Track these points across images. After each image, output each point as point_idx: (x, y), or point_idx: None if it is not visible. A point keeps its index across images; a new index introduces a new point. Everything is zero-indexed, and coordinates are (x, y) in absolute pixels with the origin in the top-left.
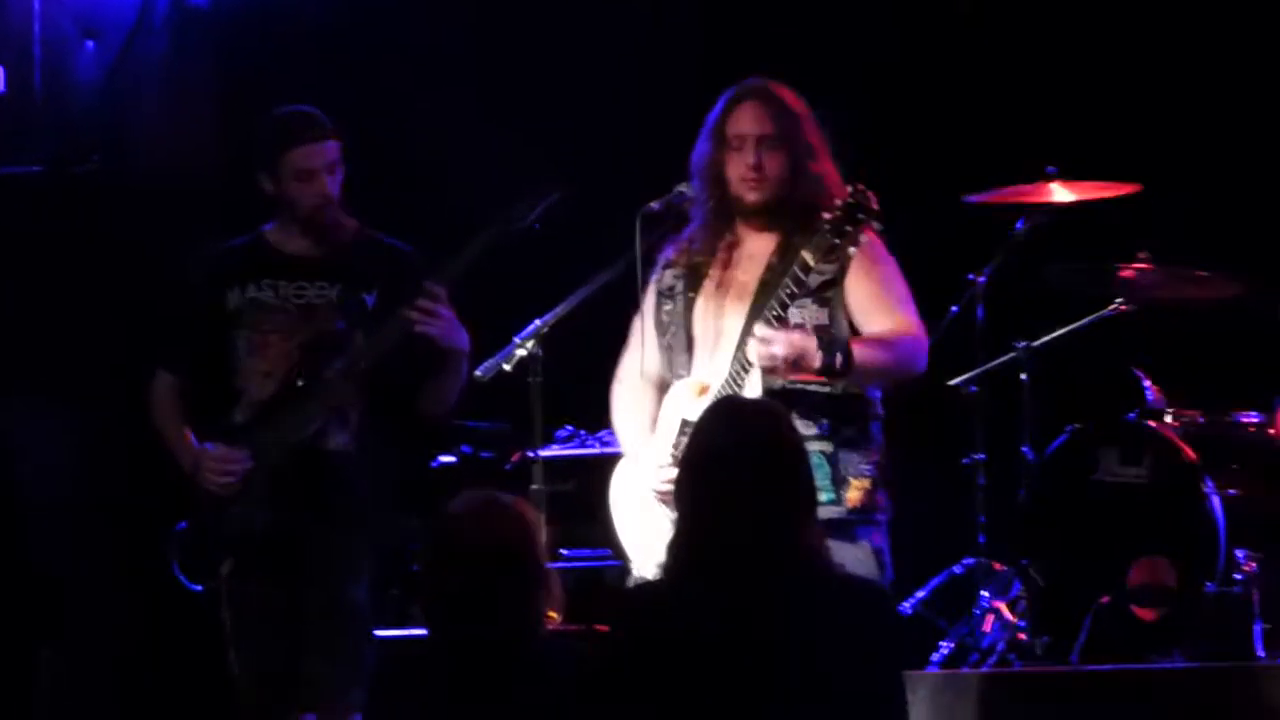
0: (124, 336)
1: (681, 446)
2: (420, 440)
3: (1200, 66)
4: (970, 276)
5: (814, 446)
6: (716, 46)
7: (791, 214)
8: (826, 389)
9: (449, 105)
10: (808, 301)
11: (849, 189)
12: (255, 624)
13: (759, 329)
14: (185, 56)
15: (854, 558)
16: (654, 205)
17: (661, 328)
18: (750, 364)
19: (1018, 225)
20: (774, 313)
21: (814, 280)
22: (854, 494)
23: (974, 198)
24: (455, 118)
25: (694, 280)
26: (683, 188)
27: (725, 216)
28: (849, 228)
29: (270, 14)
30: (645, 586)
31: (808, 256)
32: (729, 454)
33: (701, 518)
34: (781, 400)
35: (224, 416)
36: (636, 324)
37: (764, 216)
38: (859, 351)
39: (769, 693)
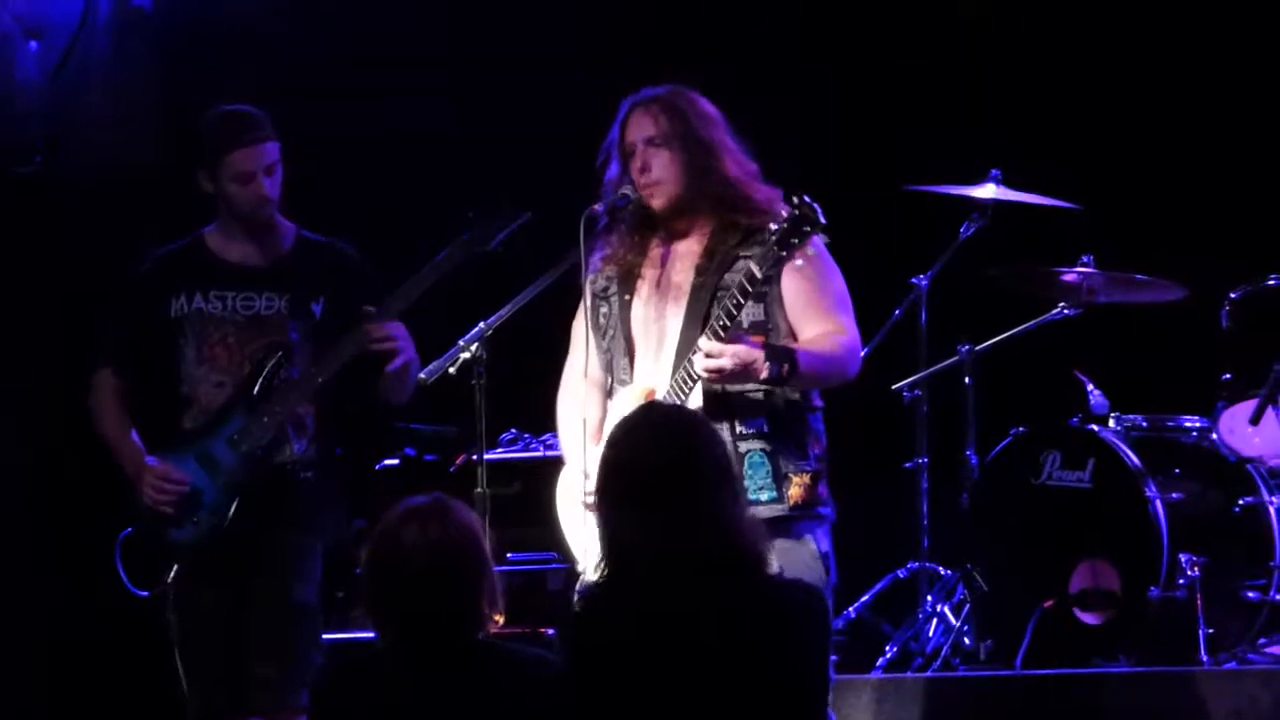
0: (66, 337)
1: None
2: (368, 442)
3: (1147, 71)
4: (914, 280)
5: (754, 445)
6: (662, 40)
7: (707, 211)
8: (764, 389)
9: (392, 105)
10: (742, 299)
11: (794, 200)
12: (202, 628)
13: (704, 342)
14: (129, 58)
15: (801, 560)
16: (598, 208)
17: (599, 330)
18: (696, 377)
19: (962, 229)
20: (721, 323)
21: (746, 277)
22: (796, 490)
23: (915, 188)
24: (398, 117)
25: (628, 282)
26: (626, 189)
27: (648, 221)
28: (794, 240)
29: (214, 16)
30: (590, 595)
31: (755, 270)
32: (647, 464)
33: (623, 526)
34: (721, 403)
35: (173, 422)
36: (576, 327)
37: (678, 217)
38: (803, 359)
39: (699, 696)
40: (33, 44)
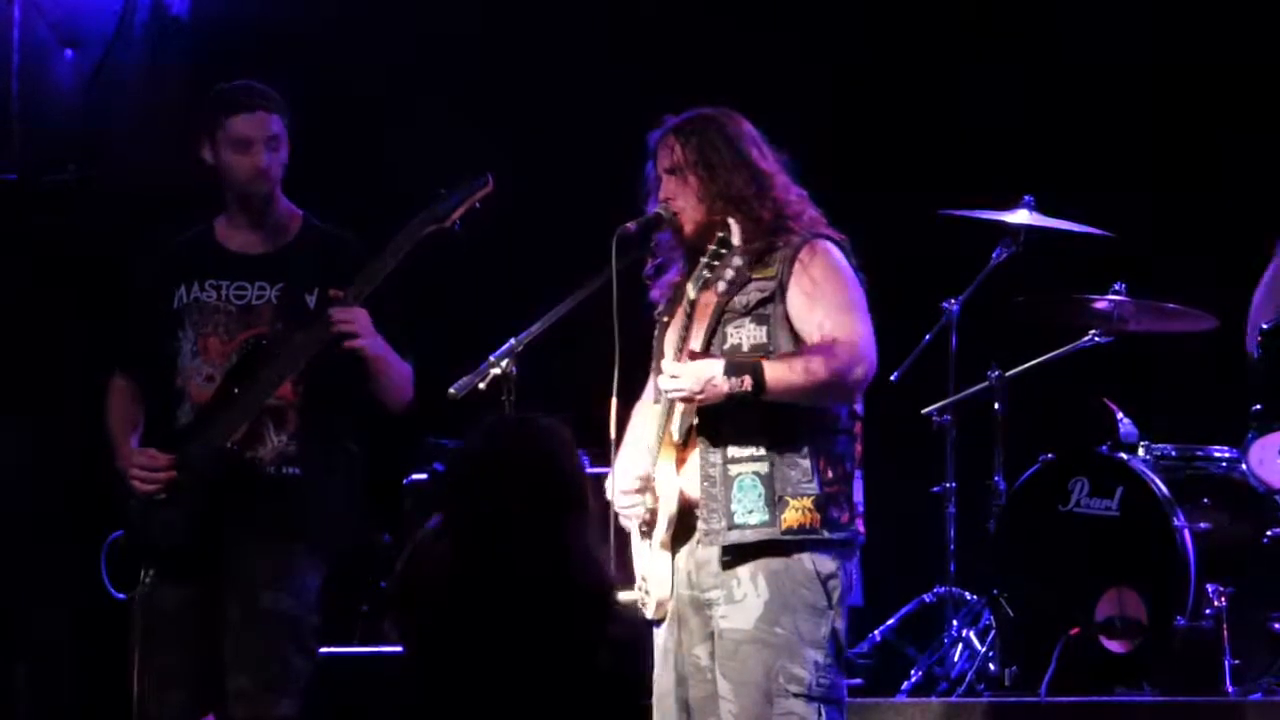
0: (93, 344)
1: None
2: (393, 450)
3: (1182, 100)
4: (945, 304)
5: (748, 468)
6: (699, 66)
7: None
8: (766, 405)
9: (428, 115)
10: (745, 321)
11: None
12: (163, 629)
13: (665, 364)
14: (164, 66)
15: (791, 579)
16: (630, 226)
17: (653, 354)
18: (671, 402)
19: (994, 254)
20: (679, 344)
21: (752, 298)
22: (791, 514)
23: (950, 211)
24: (434, 128)
25: (670, 305)
26: (660, 208)
27: (681, 242)
28: (716, 262)
29: (250, 24)
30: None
31: (690, 290)
32: (481, 470)
33: (462, 530)
34: (715, 426)
35: (169, 418)
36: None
37: (709, 240)
38: (772, 371)
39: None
40: (68, 53)
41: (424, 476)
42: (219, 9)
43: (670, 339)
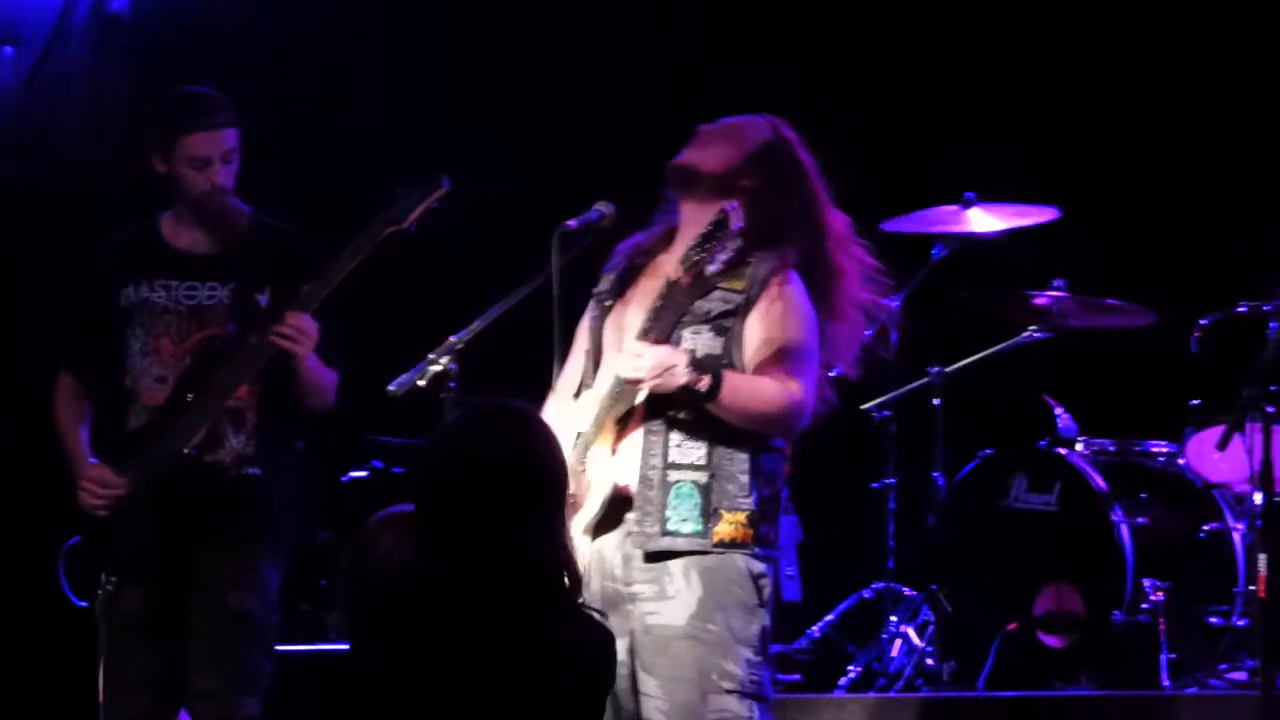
0: (37, 342)
1: (574, 458)
2: (335, 448)
3: (1116, 98)
4: (885, 300)
5: (688, 475)
6: (641, 66)
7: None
8: (712, 416)
9: (369, 114)
10: (704, 329)
11: (718, 207)
12: (128, 635)
13: (629, 342)
14: (105, 63)
15: (724, 575)
16: (571, 223)
17: (589, 334)
18: (625, 382)
19: (934, 251)
20: (645, 327)
21: (716, 307)
22: (725, 528)
23: (891, 225)
24: (377, 125)
25: (619, 289)
26: (601, 205)
27: (660, 237)
28: (709, 244)
29: (190, 21)
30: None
31: (675, 271)
32: (473, 460)
33: (438, 521)
34: (665, 416)
35: (119, 420)
36: (578, 331)
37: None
38: (730, 384)
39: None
40: (7, 50)
41: (364, 474)
42: (159, 5)
43: (612, 323)
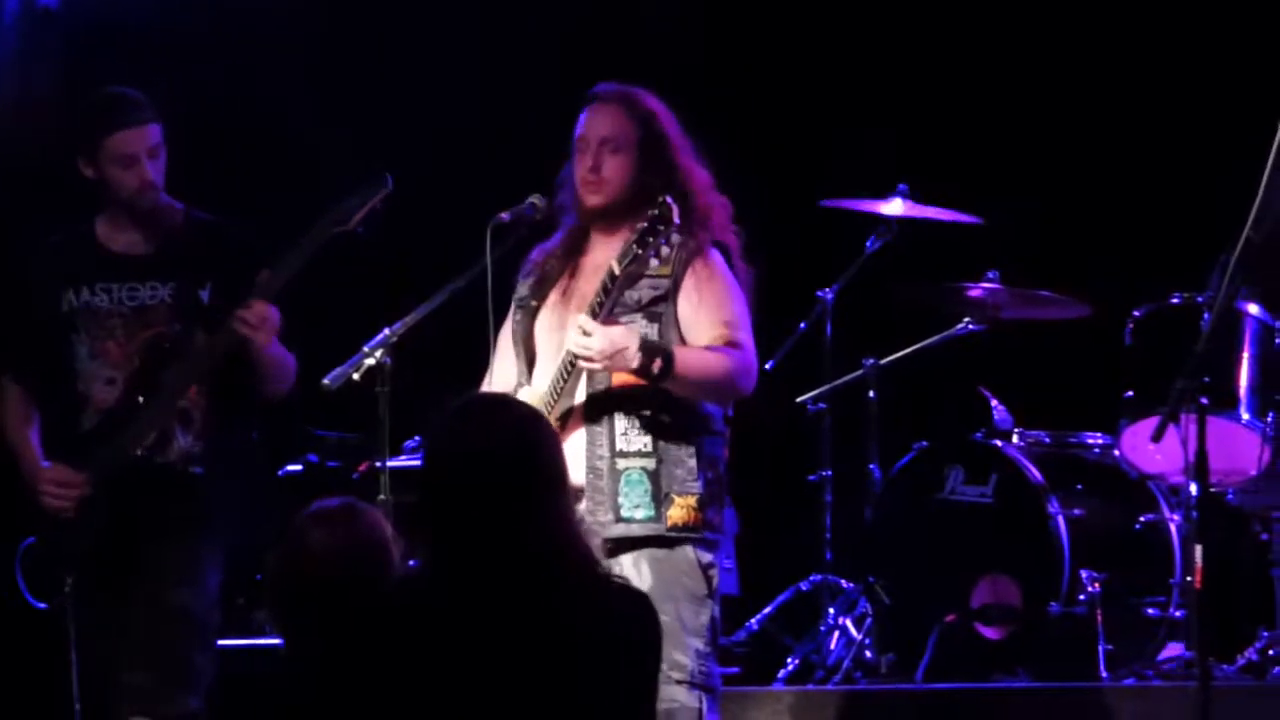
0: None
1: None
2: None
3: (1056, 89)
4: (819, 293)
5: (636, 463)
6: (571, 55)
7: (635, 220)
8: (656, 401)
9: (300, 107)
10: (638, 316)
11: (660, 200)
12: (95, 637)
13: (580, 319)
14: (35, 57)
15: (675, 568)
16: (504, 216)
17: (514, 338)
18: (573, 364)
19: (868, 243)
20: (592, 311)
21: (645, 295)
22: (676, 512)
23: (830, 202)
24: (307, 121)
25: (541, 290)
26: (534, 198)
27: (575, 230)
28: (650, 238)
29: (120, 16)
30: (405, 587)
31: (615, 265)
32: (476, 454)
33: (452, 519)
34: (605, 418)
35: (72, 423)
36: (500, 337)
37: (608, 221)
38: (682, 358)
39: (519, 697)
40: None
41: (298, 468)
42: (90, 1)
43: (544, 322)
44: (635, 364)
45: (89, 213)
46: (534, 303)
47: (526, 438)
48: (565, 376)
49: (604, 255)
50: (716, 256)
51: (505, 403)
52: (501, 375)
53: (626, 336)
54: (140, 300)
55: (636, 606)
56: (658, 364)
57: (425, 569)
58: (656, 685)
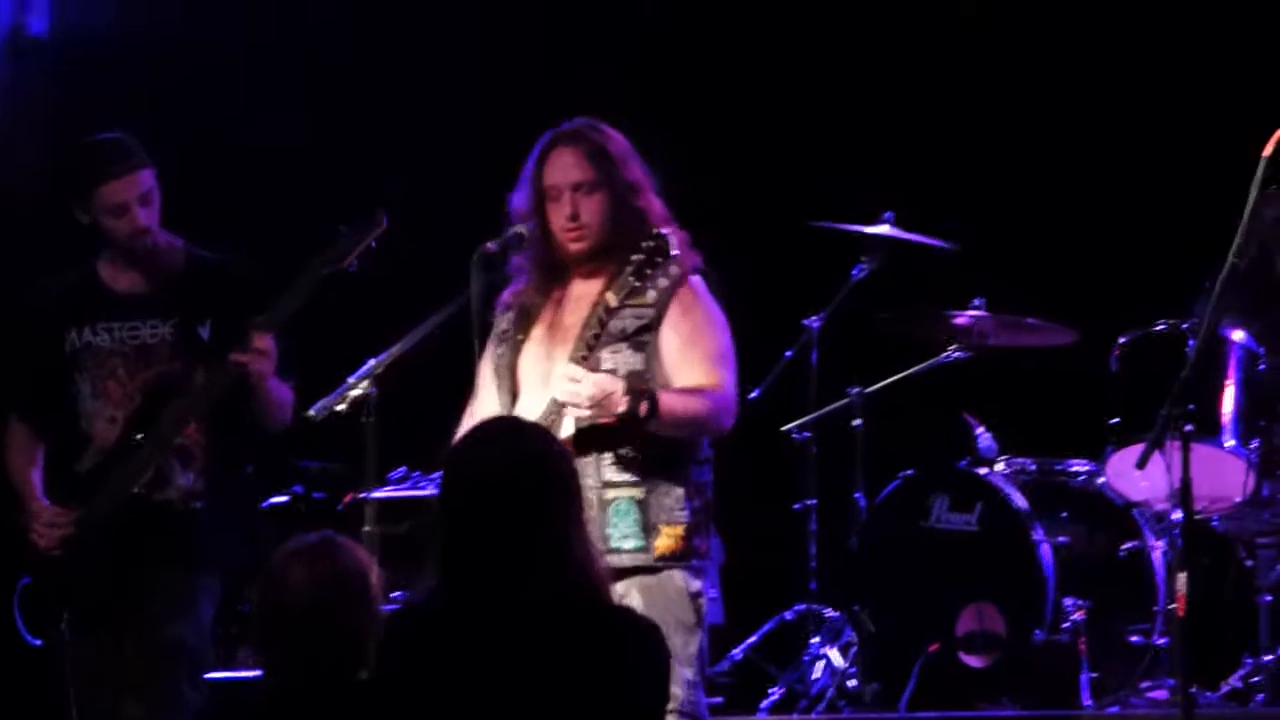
0: None
1: None
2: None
3: (1042, 117)
4: (805, 321)
5: (624, 493)
6: (555, 85)
7: (620, 252)
8: (642, 432)
9: (287, 137)
10: (623, 347)
11: (654, 232)
12: (91, 674)
13: (565, 367)
14: (24, 86)
15: (664, 595)
16: (490, 246)
17: (496, 371)
18: (561, 405)
19: (854, 271)
20: (580, 354)
21: (630, 325)
22: (664, 541)
23: (820, 224)
24: (294, 151)
25: (525, 323)
26: (519, 228)
27: (555, 261)
28: (648, 270)
29: (110, 46)
30: (413, 610)
31: (610, 298)
32: (495, 474)
33: (467, 541)
34: (594, 443)
35: (73, 462)
36: (481, 368)
37: (592, 261)
38: (666, 401)
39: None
40: None
41: (284, 499)
42: (80, 29)
43: (529, 356)
44: (622, 409)
45: (91, 252)
46: (519, 336)
47: (544, 462)
48: (551, 417)
49: (588, 287)
50: (698, 283)
51: (522, 427)
52: (484, 409)
53: (614, 383)
54: (141, 339)
55: (647, 637)
56: (644, 407)
57: (436, 593)
58: (664, 716)
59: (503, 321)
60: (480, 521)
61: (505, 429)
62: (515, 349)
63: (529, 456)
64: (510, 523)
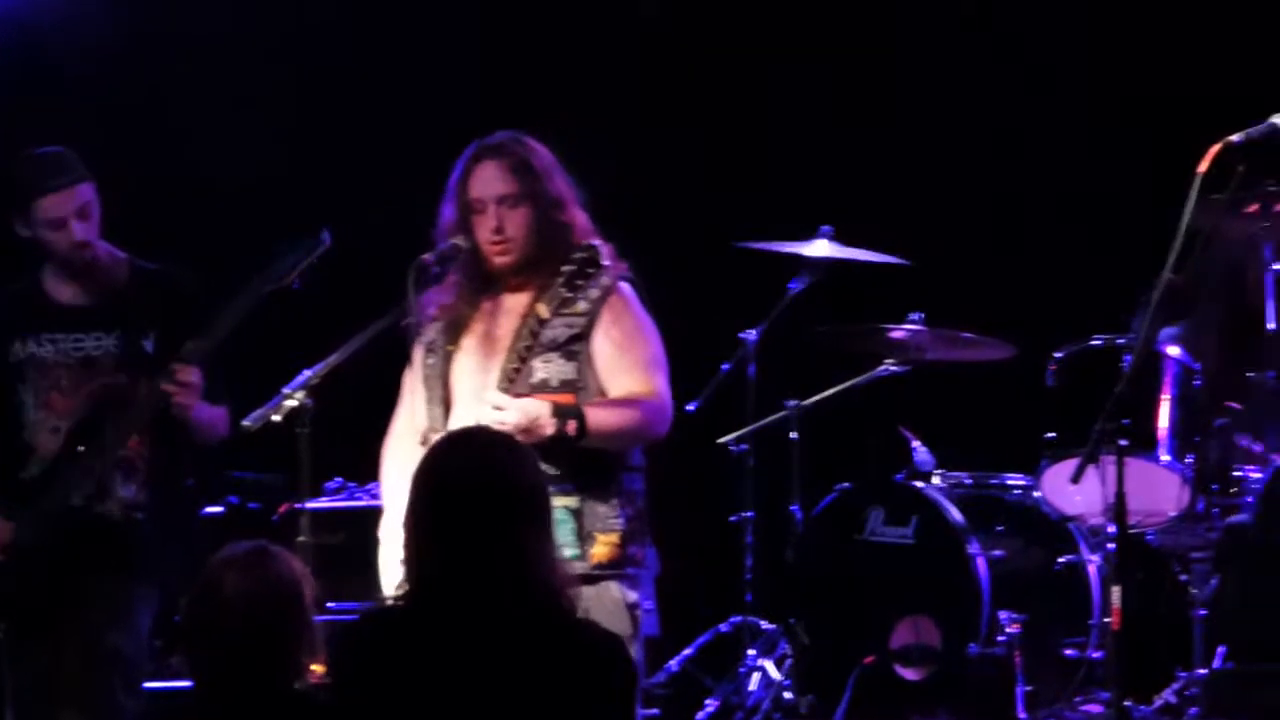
0: None
1: None
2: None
3: (975, 130)
4: (742, 334)
5: (558, 502)
6: (488, 94)
7: (546, 265)
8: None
9: (222, 145)
10: (554, 356)
11: (583, 243)
12: (30, 684)
13: (490, 395)
14: None
15: (602, 607)
16: (427, 257)
17: (426, 382)
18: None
19: (791, 285)
20: (513, 365)
21: (561, 334)
22: (600, 549)
23: (754, 244)
24: (229, 158)
25: (454, 334)
26: (456, 240)
27: (483, 273)
28: (580, 282)
29: (52, 58)
30: (375, 616)
31: (542, 309)
32: (463, 486)
33: (434, 551)
34: None
35: (16, 472)
36: (406, 379)
37: (519, 273)
38: (594, 417)
39: None
40: None
41: (219, 509)
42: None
43: (461, 367)
44: (550, 431)
45: (36, 264)
46: (449, 347)
47: (515, 474)
48: None
49: (517, 299)
50: (627, 290)
51: (494, 438)
52: (410, 420)
53: (539, 406)
54: (85, 351)
55: (615, 651)
56: (572, 426)
57: (400, 602)
58: None
59: (430, 331)
60: (448, 532)
61: (477, 440)
62: (446, 360)
63: (499, 468)
64: (478, 534)
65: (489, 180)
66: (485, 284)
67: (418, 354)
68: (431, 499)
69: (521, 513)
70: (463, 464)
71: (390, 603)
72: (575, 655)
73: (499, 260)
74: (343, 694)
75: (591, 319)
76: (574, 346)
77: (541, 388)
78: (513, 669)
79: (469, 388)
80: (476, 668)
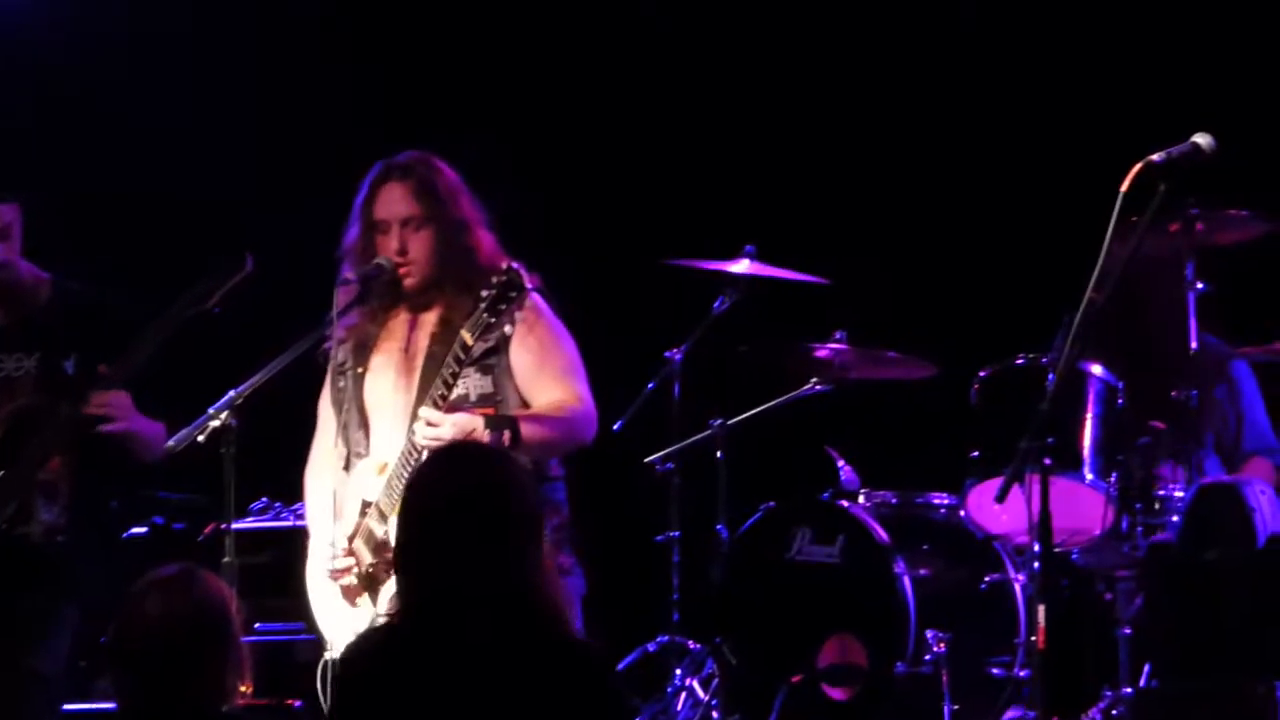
0: None
1: (362, 529)
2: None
3: (899, 151)
4: (667, 354)
5: None
6: (406, 113)
7: (450, 286)
8: None
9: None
10: (471, 371)
11: (504, 266)
12: None
13: (424, 411)
14: None
15: None
16: (351, 276)
17: (337, 405)
18: (420, 447)
19: (715, 304)
20: (439, 393)
21: (477, 349)
22: None
23: (677, 262)
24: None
25: (362, 355)
26: (381, 259)
27: (388, 293)
28: (503, 306)
29: None
30: (371, 636)
31: (466, 336)
32: (461, 502)
33: (430, 568)
34: None
35: None
36: (322, 402)
37: (425, 293)
38: (526, 428)
39: None
40: None
41: (144, 530)
42: None
43: (376, 387)
44: (485, 442)
45: None
46: (358, 369)
47: (508, 491)
48: (412, 456)
49: (422, 319)
50: (538, 300)
51: (487, 454)
52: (328, 444)
53: (472, 420)
54: (5, 372)
55: (607, 668)
56: (506, 437)
57: (394, 621)
58: None
59: (339, 353)
60: (445, 548)
61: (472, 456)
62: (358, 382)
63: (498, 483)
64: (476, 550)
65: (393, 202)
66: (393, 303)
67: (327, 377)
68: (429, 515)
69: (518, 528)
70: (459, 480)
71: (385, 620)
72: (572, 674)
73: (406, 281)
74: (342, 716)
75: (506, 334)
76: (489, 360)
77: (460, 403)
78: (509, 687)
79: (389, 409)
80: (473, 686)
